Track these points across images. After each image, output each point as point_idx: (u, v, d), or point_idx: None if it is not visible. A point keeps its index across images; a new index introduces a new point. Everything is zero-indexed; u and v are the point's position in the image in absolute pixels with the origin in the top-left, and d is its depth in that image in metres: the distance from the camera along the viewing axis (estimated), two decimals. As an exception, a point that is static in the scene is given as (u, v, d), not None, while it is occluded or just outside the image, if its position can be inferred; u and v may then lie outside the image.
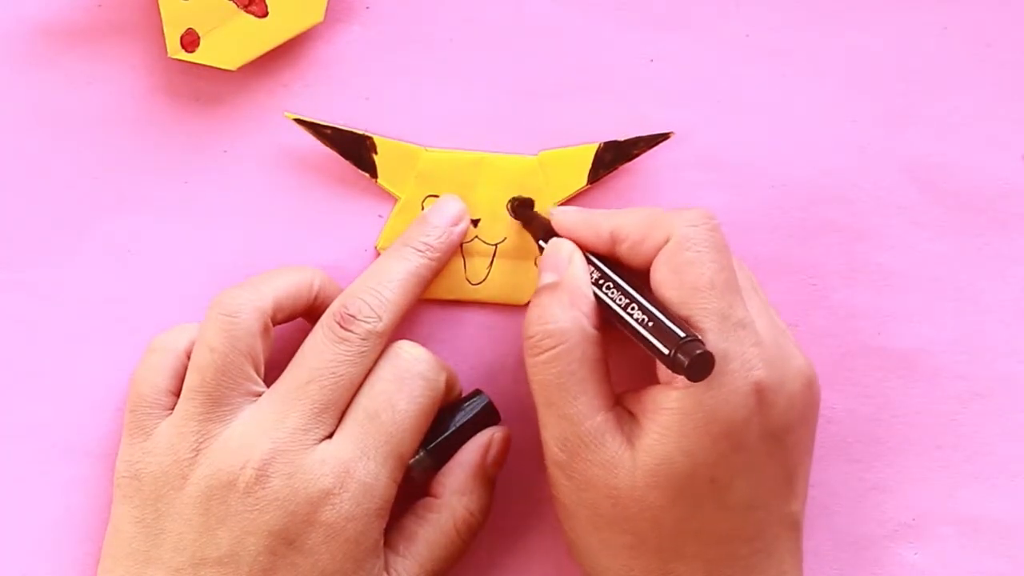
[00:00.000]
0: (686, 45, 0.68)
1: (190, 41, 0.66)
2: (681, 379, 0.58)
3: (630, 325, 0.59)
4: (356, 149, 0.66)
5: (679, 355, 0.57)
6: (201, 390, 0.61)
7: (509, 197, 0.66)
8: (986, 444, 0.67)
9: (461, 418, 0.64)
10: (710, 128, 0.67)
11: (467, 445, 0.63)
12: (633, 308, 0.59)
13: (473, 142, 0.67)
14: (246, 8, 0.66)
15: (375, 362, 0.62)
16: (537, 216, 0.65)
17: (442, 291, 0.66)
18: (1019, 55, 0.68)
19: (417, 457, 0.62)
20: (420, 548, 0.62)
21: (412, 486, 0.63)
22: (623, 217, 0.62)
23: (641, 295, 0.60)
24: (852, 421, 0.67)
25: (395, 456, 0.60)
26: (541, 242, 0.64)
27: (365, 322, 0.61)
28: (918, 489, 0.67)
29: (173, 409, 0.62)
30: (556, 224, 0.63)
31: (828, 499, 0.67)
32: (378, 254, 0.66)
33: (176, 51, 0.66)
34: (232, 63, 0.66)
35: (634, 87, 0.67)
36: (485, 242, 0.66)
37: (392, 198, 0.66)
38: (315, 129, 0.66)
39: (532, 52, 0.68)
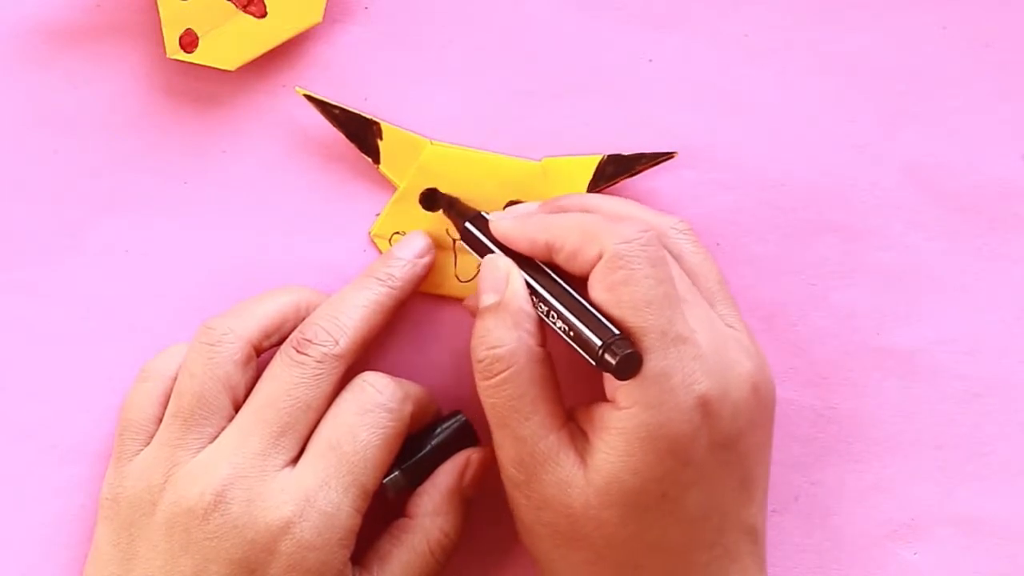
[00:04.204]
0: (685, 45, 0.68)
1: (189, 41, 0.66)
2: (623, 397, 0.58)
3: (560, 333, 0.59)
4: (362, 132, 0.66)
5: (606, 355, 0.57)
6: (178, 416, 0.61)
7: (508, 198, 0.66)
8: (986, 444, 0.67)
9: (438, 438, 0.64)
10: (709, 128, 0.67)
11: (443, 466, 0.63)
12: (554, 317, 0.60)
13: (472, 142, 0.67)
14: (245, 8, 0.66)
15: (336, 389, 0.62)
16: (455, 202, 0.66)
17: (431, 286, 0.66)
18: (1019, 55, 0.68)
19: (391, 477, 0.62)
20: (394, 569, 0.62)
21: (389, 506, 0.63)
22: (557, 227, 0.61)
23: (575, 295, 0.60)
24: (852, 421, 0.67)
25: (357, 486, 0.60)
26: (468, 224, 0.64)
27: (321, 346, 0.61)
28: (918, 489, 0.67)
29: None
30: (494, 231, 0.63)
31: (828, 499, 0.67)
32: (373, 243, 0.66)
33: (175, 51, 0.66)
34: (231, 63, 0.66)
35: (633, 87, 0.67)
36: (478, 241, 0.66)
37: (391, 188, 0.66)
38: (324, 108, 0.66)
39: (531, 52, 0.67)
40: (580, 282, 0.60)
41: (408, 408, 0.62)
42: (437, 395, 0.66)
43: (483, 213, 0.64)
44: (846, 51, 0.68)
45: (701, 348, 0.59)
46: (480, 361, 0.60)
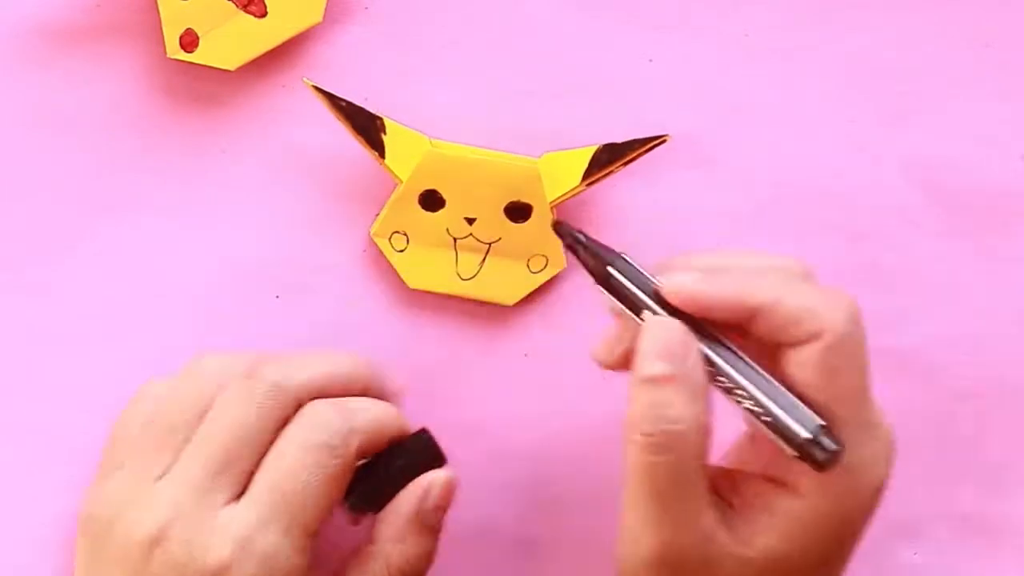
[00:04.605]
0: (685, 45, 0.68)
1: (189, 41, 0.66)
2: (805, 485, 0.55)
3: (749, 413, 0.56)
4: (367, 127, 0.66)
5: (813, 449, 0.54)
6: (145, 440, 0.60)
7: (508, 198, 0.66)
8: (986, 444, 0.67)
9: (400, 460, 0.61)
10: (709, 128, 0.67)
11: (404, 491, 0.61)
12: (742, 395, 0.55)
13: (472, 142, 0.67)
14: (245, 8, 0.66)
15: (284, 422, 0.59)
16: (583, 239, 0.59)
17: (433, 284, 0.66)
18: (1019, 55, 0.68)
19: (350, 501, 0.60)
20: None
21: (354, 532, 0.62)
22: (765, 292, 0.55)
23: (762, 372, 0.56)
24: (852, 421, 0.67)
25: (298, 526, 0.58)
26: (614, 271, 0.57)
27: (273, 371, 0.60)
28: (918, 489, 0.67)
29: None
30: (671, 291, 0.56)
31: (828, 499, 0.67)
32: (373, 243, 0.66)
33: (175, 51, 0.66)
34: (231, 63, 0.66)
35: (633, 87, 0.67)
36: (479, 240, 0.66)
37: (391, 188, 0.66)
38: (331, 100, 0.66)
39: (531, 52, 0.68)
40: (759, 351, 0.56)
41: (355, 441, 0.59)
42: (436, 395, 0.66)
43: (626, 257, 0.58)
44: (846, 51, 0.68)
45: (882, 428, 0.57)
46: (649, 435, 0.55)
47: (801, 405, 0.55)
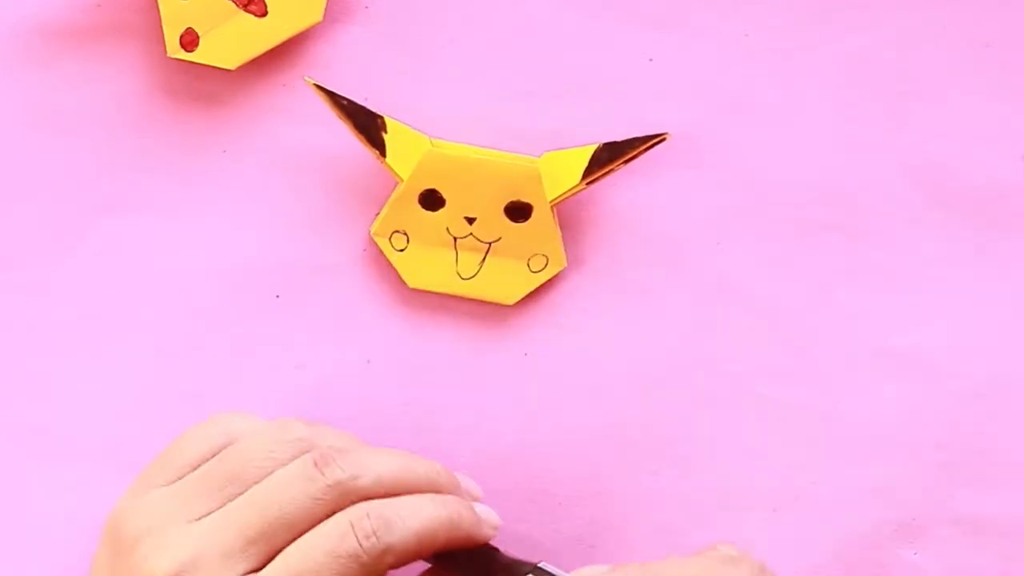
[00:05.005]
0: (685, 45, 0.68)
1: (189, 41, 0.66)
2: None
3: None
4: (369, 124, 0.66)
5: None
6: (206, 476, 0.59)
7: (508, 198, 0.66)
8: (986, 444, 0.67)
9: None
10: (709, 128, 0.67)
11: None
12: None
13: (472, 141, 0.67)
14: (245, 7, 0.66)
15: (333, 514, 0.58)
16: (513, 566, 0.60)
17: (433, 283, 0.66)
18: (1019, 55, 0.68)
19: None
20: None
21: None
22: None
23: None
24: (852, 421, 0.67)
25: None
26: None
27: (340, 470, 0.58)
28: (918, 489, 0.67)
29: None
30: None
31: (828, 499, 0.67)
32: (373, 242, 0.66)
33: (175, 51, 0.66)
34: (231, 63, 0.66)
35: (633, 87, 0.67)
36: (479, 239, 0.66)
37: (391, 188, 0.66)
38: (332, 98, 0.66)
39: (531, 52, 0.68)
40: None
41: (388, 560, 0.57)
42: (436, 395, 0.66)
43: (545, 565, 0.60)
44: (846, 51, 0.68)
45: None
46: None
47: None
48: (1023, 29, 0.68)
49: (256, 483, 0.58)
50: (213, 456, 0.60)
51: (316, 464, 0.58)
